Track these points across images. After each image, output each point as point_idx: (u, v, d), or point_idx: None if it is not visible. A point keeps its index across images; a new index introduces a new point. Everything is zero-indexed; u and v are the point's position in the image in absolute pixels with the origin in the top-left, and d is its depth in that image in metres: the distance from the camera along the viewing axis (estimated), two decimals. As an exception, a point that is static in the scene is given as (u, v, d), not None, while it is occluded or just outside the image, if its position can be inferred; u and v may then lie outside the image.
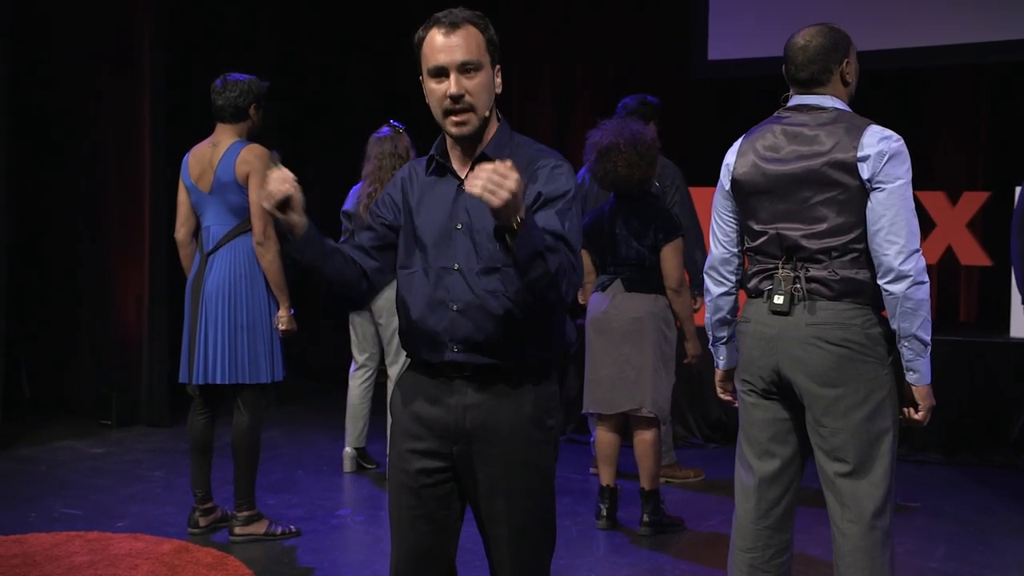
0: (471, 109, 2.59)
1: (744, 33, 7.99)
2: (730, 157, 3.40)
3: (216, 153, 4.81)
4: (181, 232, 4.97)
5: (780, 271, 3.23)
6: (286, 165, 2.51)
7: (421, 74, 2.66)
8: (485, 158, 2.61)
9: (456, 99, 2.57)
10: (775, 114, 3.35)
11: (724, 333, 3.52)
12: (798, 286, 3.19)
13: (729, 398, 3.61)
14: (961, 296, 8.20)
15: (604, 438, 5.13)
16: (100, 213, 7.59)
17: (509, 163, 2.28)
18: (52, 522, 5.15)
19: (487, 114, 2.63)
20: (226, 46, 8.72)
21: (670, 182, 5.88)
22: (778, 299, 3.22)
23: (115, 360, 7.55)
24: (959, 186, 7.82)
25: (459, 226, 2.63)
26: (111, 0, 7.45)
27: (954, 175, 8.14)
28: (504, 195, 2.25)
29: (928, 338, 3.14)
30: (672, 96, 7.82)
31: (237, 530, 4.86)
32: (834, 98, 3.26)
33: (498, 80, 2.68)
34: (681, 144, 7.35)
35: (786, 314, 3.21)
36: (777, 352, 3.24)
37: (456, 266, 2.62)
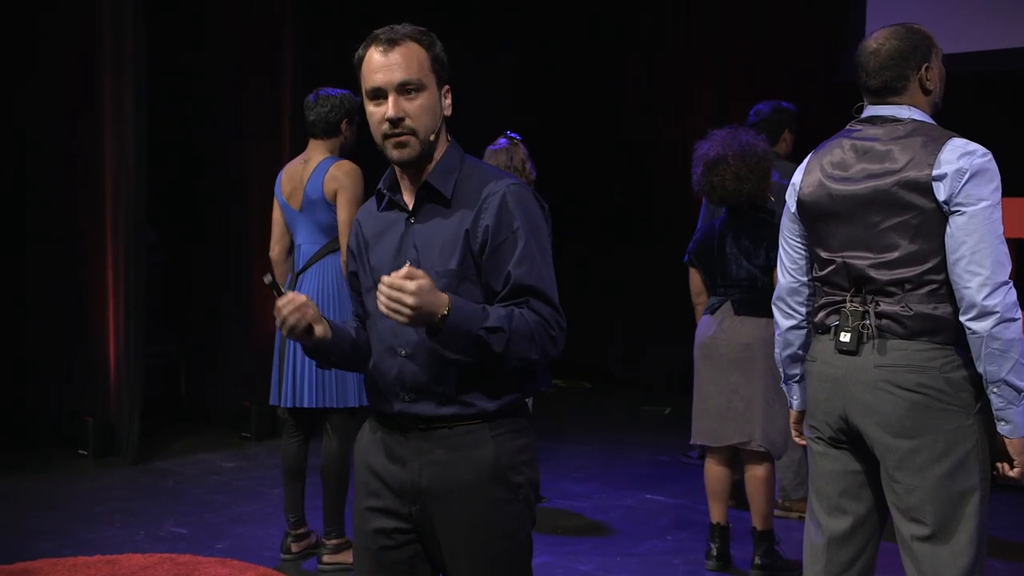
0: (412, 133, 2.34)
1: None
2: (797, 176, 3.04)
3: (306, 170, 4.69)
4: (275, 250, 4.88)
5: (847, 305, 2.85)
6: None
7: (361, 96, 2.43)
8: (429, 187, 2.39)
9: (394, 122, 2.32)
10: (846, 127, 2.97)
11: (796, 371, 3.14)
12: (867, 322, 2.80)
13: (804, 442, 3.23)
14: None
15: (713, 472, 4.75)
16: (244, 222, 7.60)
17: (404, 270, 2.15)
18: (156, 542, 5.13)
19: (432, 138, 2.38)
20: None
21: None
22: (844, 336, 2.84)
23: (255, 372, 7.56)
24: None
25: (408, 264, 2.36)
26: (258, 9, 7.47)
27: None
28: (407, 311, 2.13)
29: (1022, 384, 2.70)
30: (820, 99, 7.33)
31: (325, 558, 4.73)
32: (912, 108, 2.85)
33: (447, 101, 2.43)
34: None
35: (853, 353, 2.83)
36: (844, 396, 2.86)
37: None
